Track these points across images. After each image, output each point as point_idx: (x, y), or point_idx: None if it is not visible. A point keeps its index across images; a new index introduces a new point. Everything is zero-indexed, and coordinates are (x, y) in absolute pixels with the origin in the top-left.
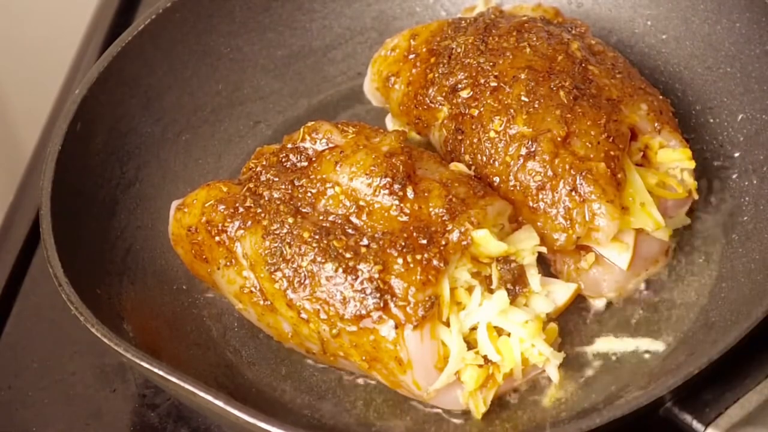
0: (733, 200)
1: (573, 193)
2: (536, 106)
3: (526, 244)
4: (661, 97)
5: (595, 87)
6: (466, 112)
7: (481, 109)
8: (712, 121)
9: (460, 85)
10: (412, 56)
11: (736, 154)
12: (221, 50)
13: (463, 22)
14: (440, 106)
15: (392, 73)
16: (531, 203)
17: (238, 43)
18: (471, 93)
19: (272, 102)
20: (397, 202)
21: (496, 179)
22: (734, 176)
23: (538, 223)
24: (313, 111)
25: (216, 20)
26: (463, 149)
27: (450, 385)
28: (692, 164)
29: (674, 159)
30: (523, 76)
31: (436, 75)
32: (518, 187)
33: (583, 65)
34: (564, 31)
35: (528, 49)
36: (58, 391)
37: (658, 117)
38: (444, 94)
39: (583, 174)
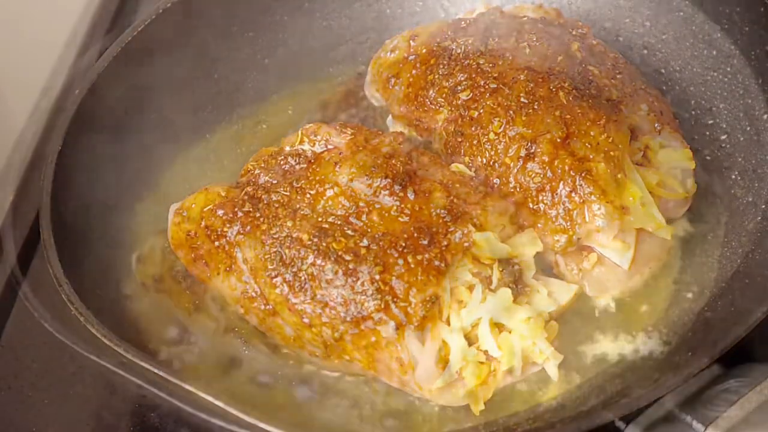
0: (734, 200)
1: (573, 194)
2: (536, 107)
3: (529, 249)
4: (661, 97)
5: (595, 87)
6: (466, 113)
7: (481, 111)
8: (711, 121)
9: (459, 87)
10: (412, 57)
11: (736, 154)
12: (221, 50)
13: (463, 22)
14: (440, 108)
15: (392, 74)
16: (531, 205)
17: (238, 43)
18: (471, 95)
19: (272, 102)
20: (397, 203)
21: (497, 181)
22: (734, 176)
23: (539, 225)
24: (313, 111)
25: (215, 20)
26: (463, 151)
27: (451, 382)
28: (692, 164)
29: (675, 159)
30: (522, 77)
31: (436, 76)
32: (518, 189)
33: (584, 66)
34: (565, 33)
35: (528, 50)
36: (58, 391)
37: (658, 117)
38: (444, 95)
39: (583, 175)
